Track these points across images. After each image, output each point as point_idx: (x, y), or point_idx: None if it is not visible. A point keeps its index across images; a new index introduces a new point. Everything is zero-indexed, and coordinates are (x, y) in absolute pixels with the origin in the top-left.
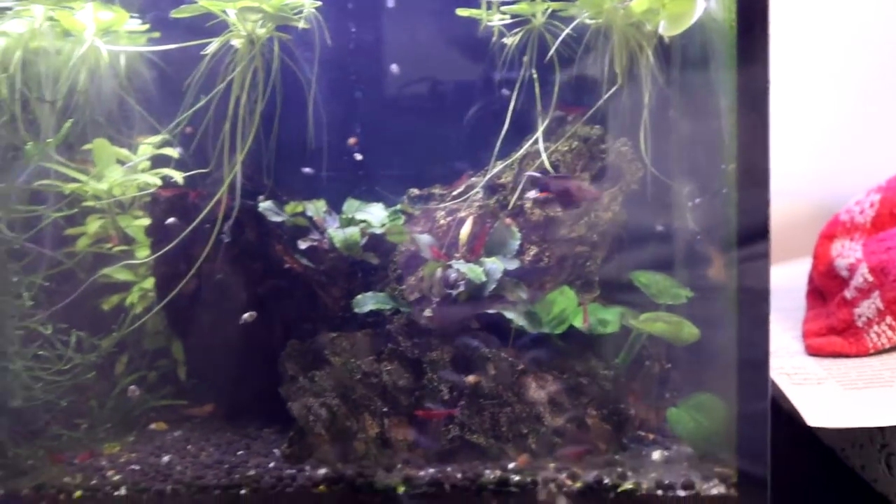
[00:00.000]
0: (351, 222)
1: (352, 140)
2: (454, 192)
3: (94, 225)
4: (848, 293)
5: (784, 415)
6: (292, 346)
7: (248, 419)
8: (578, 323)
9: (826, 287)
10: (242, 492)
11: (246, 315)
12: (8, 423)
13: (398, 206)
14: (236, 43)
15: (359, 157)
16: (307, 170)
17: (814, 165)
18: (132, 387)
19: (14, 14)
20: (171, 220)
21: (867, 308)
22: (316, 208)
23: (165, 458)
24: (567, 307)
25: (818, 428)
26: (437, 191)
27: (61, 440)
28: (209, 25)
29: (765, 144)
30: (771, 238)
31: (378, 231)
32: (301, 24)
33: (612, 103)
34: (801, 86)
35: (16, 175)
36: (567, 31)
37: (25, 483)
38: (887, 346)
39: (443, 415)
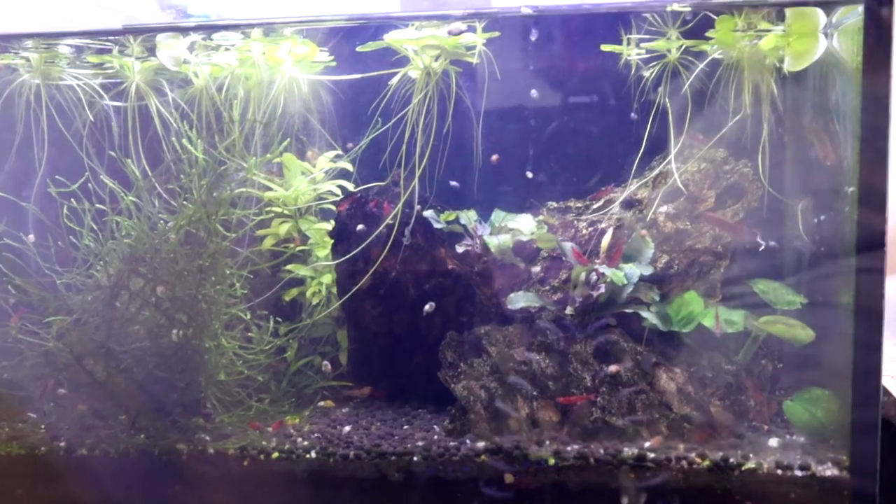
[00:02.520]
0: (502, 230)
1: (494, 158)
2: (595, 206)
3: (283, 228)
4: None
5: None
6: (451, 336)
7: (403, 400)
8: (707, 323)
9: None
10: (415, 458)
11: (427, 306)
12: (215, 394)
13: (540, 217)
14: (414, 74)
15: (530, 175)
16: (454, 183)
17: None
18: (325, 363)
19: (223, 49)
20: (360, 226)
21: None
22: (468, 217)
23: (345, 429)
24: (695, 309)
25: None
26: (572, 203)
27: (252, 411)
28: (394, 59)
29: (884, 171)
30: None
31: (526, 238)
32: (474, 60)
33: (736, 128)
34: None
35: (227, 185)
36: (701, 66)
37: (230, 445)
38: None
39: (582, 399)
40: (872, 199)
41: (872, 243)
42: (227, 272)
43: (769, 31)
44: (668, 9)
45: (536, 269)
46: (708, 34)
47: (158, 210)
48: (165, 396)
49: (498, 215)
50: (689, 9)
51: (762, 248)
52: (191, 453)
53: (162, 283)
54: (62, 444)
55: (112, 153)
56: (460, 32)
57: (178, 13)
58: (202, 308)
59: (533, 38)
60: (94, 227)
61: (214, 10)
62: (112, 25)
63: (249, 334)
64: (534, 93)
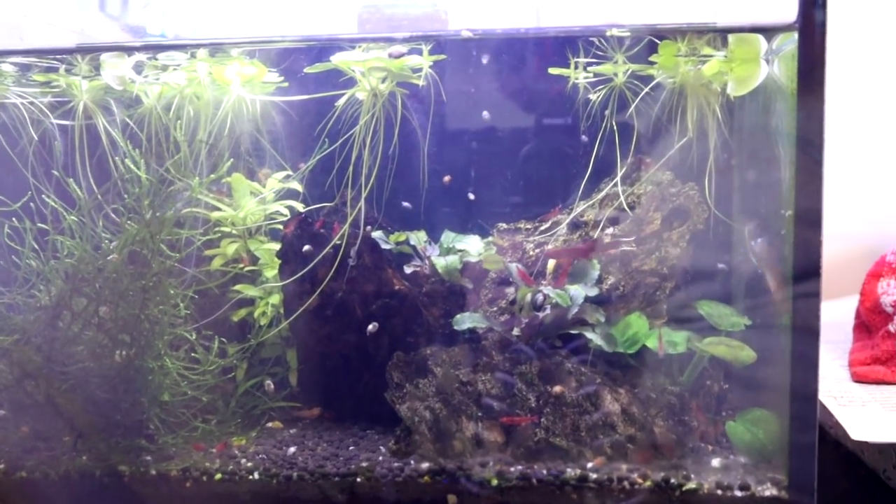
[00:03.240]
0: (450, 251)
1: (446, 178)
2: (542, 227)
3: (231, 248)
4: (892, 327)
5: (830, 439)
6: (398, 357)
7: (352, 421)
8: (650, 344)
9: (872, 321)
10: (358, 479)
11: (371, 326)
12: (158, 415)
13: (490, 238)
14: (361, 96)
15: (472, 196)
16: (406, 204)
17: (865, 210)
18: (268, 381)
19: (171, 69)
20: (307, 247)
21: None
22: (417, 238)
23: (290, 450)
24: (639, 330)
25: (862, 451)
26: (522, 225)
27: (198, 432)
28: (341, 80)
29: (818, 194)
30: (823, 275)
31: (474, 259)
32: (420, 82)
33: (682, 152)
34: (858, 138)
35: (172, 204)
36: (646, 90)
37: (173, 466)
38: None
39: (525, 420)
40: (807, 221)
41: (808, 265)
42: (172, 292)
43: (711, 56)
44: (609, 34)
45: (485, 290)
46: (652, 58)
47: (102, 230)
48: (108, 417)
49: (448, 236)
50: (628, 34)
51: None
52: (133, 475)
53: (105, 303)
54: (1, 466)
55: (56, 172)
56: (401, 55)
57: (136, 33)
58: (145, 328)
59: (484, 60)
60: (37, 246)
61: (173, 30)
62: (65, 44)
63: (194, 354)
64: (485, 114)
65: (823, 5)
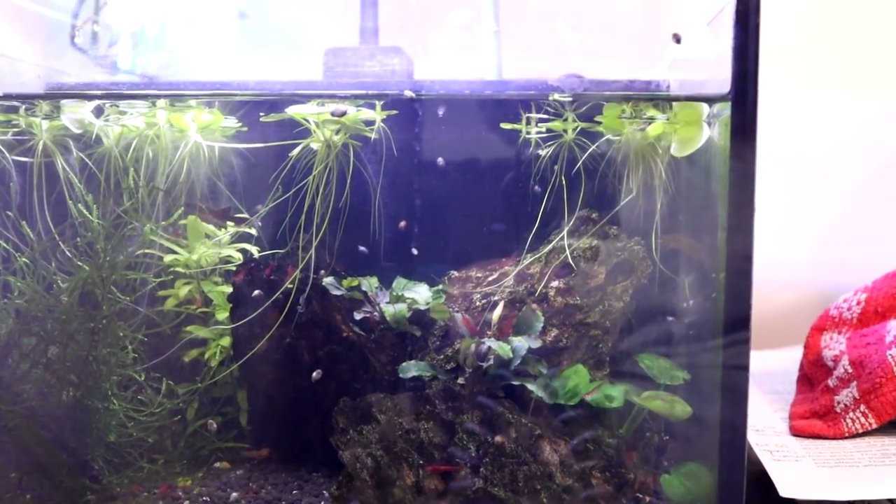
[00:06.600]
0: (400, 299)
1: (402, 224)
2: (489, 279)
3: (183, 289)
4: (831, 381)
5: (775, 489)
6: (344, 402)
7: (299, 463)
8: (590, 397)
9: (814, 374)
10: None
11: (315, 373)
12: (103, 455)
13: (440, 287)
14: (315, 146)
15: (415, 252)
16: (363, 248)
17: (818, 259)
18: (210, 421)
19: (128, 114)
20: (256, 292)
21: (845, 396)
22: (369, 284)
23: (234, 494)
24: (580, 383)
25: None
26: (473, 273)
27: (143, 472)
28: (296, 131)
29: (748, 256)
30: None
31: (422, 308)
32: (372, 136)
33: (628, 208)
34: (810, 190)
35: (125, 248)
36: (593, 147)
37: None
38: (860, 430)
39: (451, 469)
40: (737, 284)
41: (737, 326)
42: (122, 334)
43: (654, 118)
44: (552, 98)
45: (433, 337)
46: (597, 118)
47: (55, 271)
48: (54, 457)
49: (399, 283)
50: (569, 99)
51: None
52: None
53: (55, 343)
54: None
55: (10, 214)
56: (343, 114)
57: (106, 67)
58: (94, 369)
59: (440, 113)
60: None
61: (142, 64)
62: (28, 80)
63: (139, 397)
64: (440, 160)
65: (755, 78)
